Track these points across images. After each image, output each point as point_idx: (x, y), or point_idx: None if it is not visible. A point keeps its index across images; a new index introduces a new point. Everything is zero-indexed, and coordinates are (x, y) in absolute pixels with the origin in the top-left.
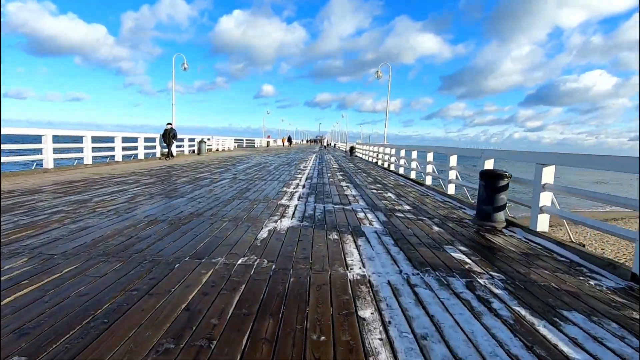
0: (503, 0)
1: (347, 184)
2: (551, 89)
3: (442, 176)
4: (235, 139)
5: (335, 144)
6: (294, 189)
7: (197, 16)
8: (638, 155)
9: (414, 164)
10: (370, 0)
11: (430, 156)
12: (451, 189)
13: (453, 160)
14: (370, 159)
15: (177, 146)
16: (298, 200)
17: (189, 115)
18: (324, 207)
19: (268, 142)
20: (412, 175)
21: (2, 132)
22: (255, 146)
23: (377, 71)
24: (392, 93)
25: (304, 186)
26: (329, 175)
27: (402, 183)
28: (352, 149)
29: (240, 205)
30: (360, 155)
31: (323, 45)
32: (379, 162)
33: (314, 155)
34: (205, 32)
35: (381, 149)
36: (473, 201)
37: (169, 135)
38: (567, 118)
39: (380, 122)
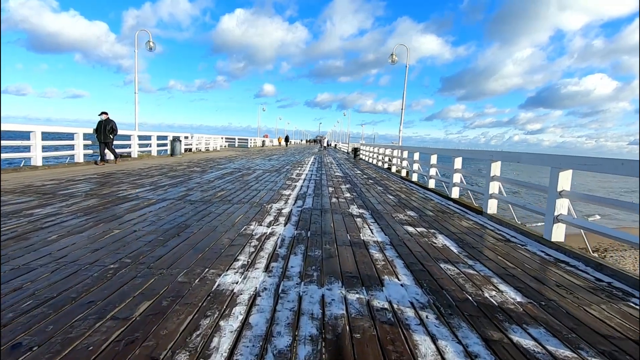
0: (505, 2)
1: (361, 211)
2: (552, 92)
3: (539, 209)
4: (226, 138)
5: (335, 145)
6: (268, 226)
7: (199, 15)
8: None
9: (456, 177)
10: (372, 1)
11: (496, 168)
12: (559, 234)
13: (565, 180)
14: (377, 163)
15: (142, 145)
16: (266, 270)
17: (189, 114)
18: (324, 301)
19: (263, 141)
20: (454, 193)
21: None
22: (249, 146)
23: (392, 55)
24: (393, 94)
25: (288, 218)
26: (330, 190)
27: (442, 207)
28: (355, 150)
29: (99, 314)
30: (365, 158)
31: (324, 45)
32: (394, 169)
33: (312, 157)
34: (207, 30)
35: (395, 152)
36: (610, 262)
37: (104, 130)
38: (567, 121)
39: (381, 122)
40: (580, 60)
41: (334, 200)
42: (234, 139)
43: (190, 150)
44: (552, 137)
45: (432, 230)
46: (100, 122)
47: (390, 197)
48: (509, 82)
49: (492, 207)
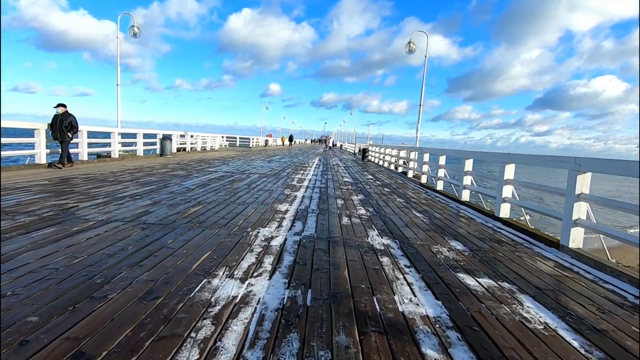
0: (514, 3)
1: (385, 241)
2: (560, 94)
3: None
4: (227, 137)
5: (341, 145)
6: (244, 279)
7: (206, 14)
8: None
9: (507, 191)
10: (379, 1)
11: (585, 183)
12: None
13: None
14: (390, 166)
15: (124, 144)
16: None
17: (196, 112)
18: None
19: (266, 141)
20: (503, 212)
21: None
22: (250, 145)
23: (410, 43)
24: (399, 94)
25: (279, 258)
26: (339, 202)
27: (492, 233)
28: (364, 151)
29: None
30: (375, 160)
31: (331, 45)
32: (410, 173)
33: (317, 158)
34: (214, 29)
35: (413, 155)
36: None
37: (60, 126)
38: (575, 123)
39: (386, 123)
40: (590, 61)
41: (345, 220)
42: (235, 138)
43: (184, 149)
44: (559, 139)
45: (506, 285)
46: (55, 117)
47: (417, 214)
48: (516, 83)
49: (576, 238)
